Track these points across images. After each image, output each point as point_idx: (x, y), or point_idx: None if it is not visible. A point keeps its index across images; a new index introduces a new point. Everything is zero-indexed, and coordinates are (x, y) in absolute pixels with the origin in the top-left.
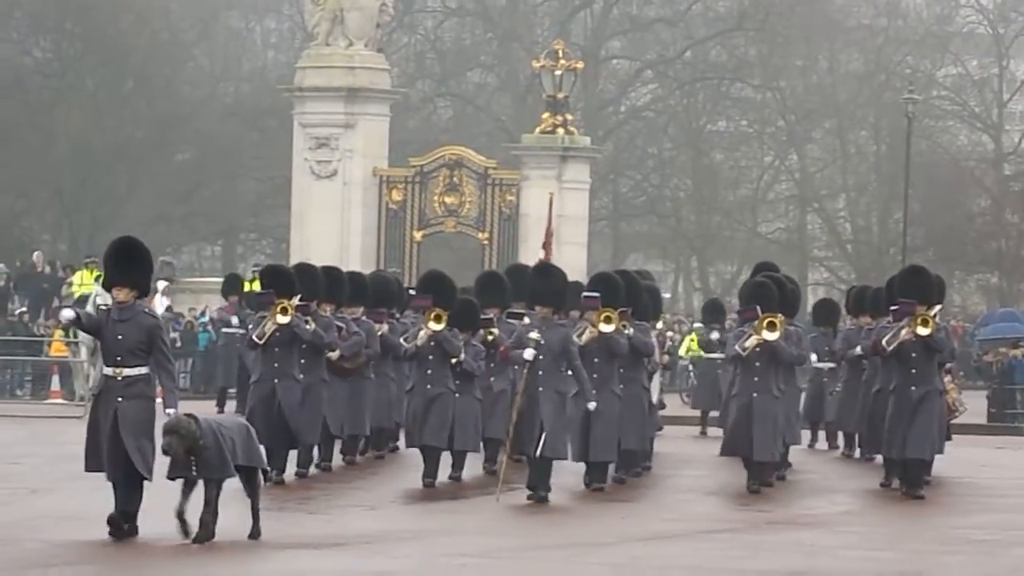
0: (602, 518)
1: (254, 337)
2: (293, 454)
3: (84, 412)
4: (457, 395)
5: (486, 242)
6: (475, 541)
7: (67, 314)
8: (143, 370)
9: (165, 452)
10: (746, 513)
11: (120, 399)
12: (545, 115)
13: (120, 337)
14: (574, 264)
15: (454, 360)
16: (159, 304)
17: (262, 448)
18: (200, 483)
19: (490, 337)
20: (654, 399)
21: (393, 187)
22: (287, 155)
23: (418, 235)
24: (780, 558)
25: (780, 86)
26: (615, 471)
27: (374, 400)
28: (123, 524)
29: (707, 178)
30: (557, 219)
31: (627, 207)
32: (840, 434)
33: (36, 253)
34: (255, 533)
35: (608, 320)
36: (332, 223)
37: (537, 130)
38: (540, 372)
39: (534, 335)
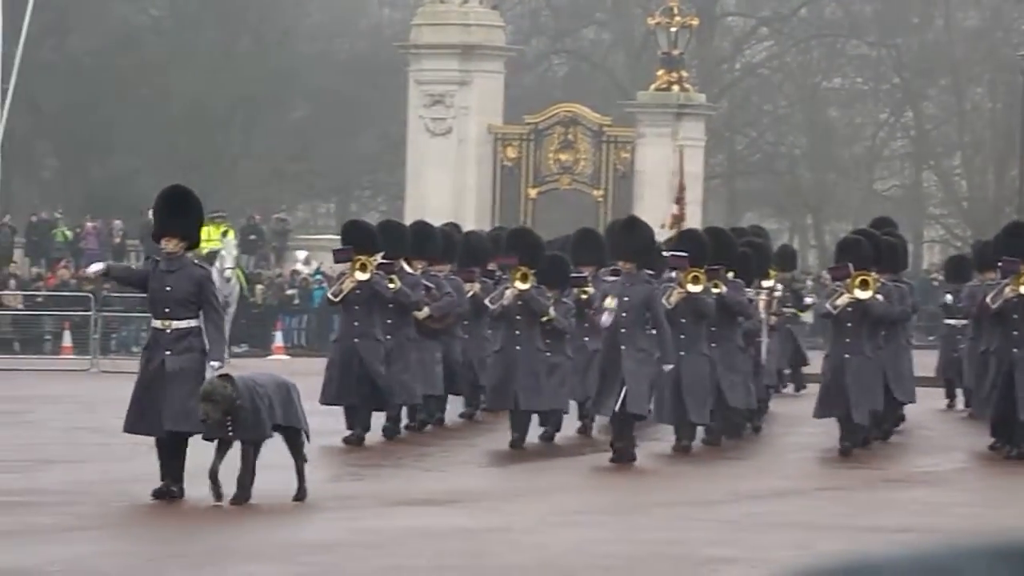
0: (715, 476)
1: (330, 295)
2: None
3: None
4: (548, 354)
5: (600, 199)
6: (587, 498)
7: (96, 267)
8: (193, 323)
9: (203, 421)
10: (861, 471)
11: (168, 352)
12: (660, 72)
13: (169, 288)
14: (690, 222)
15: (544, 319)
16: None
17: (303, 408)
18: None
19: (584, 296)
20: (763, 358)
21: (508, 144)
22: (402, 112)
23: (533, 192)
24: (893, 516)
25: (896, 43)
26: (706, 433)
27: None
28: (171, 487)
29: (822, 135)
30: (671, 176)
31: (742, 164)
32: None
33: (151, 211)
34: (300, 495)
35: (696, 280)
36: (447, 180)
37: (652, 87)
38: (623, 330)
39: (610, 302)
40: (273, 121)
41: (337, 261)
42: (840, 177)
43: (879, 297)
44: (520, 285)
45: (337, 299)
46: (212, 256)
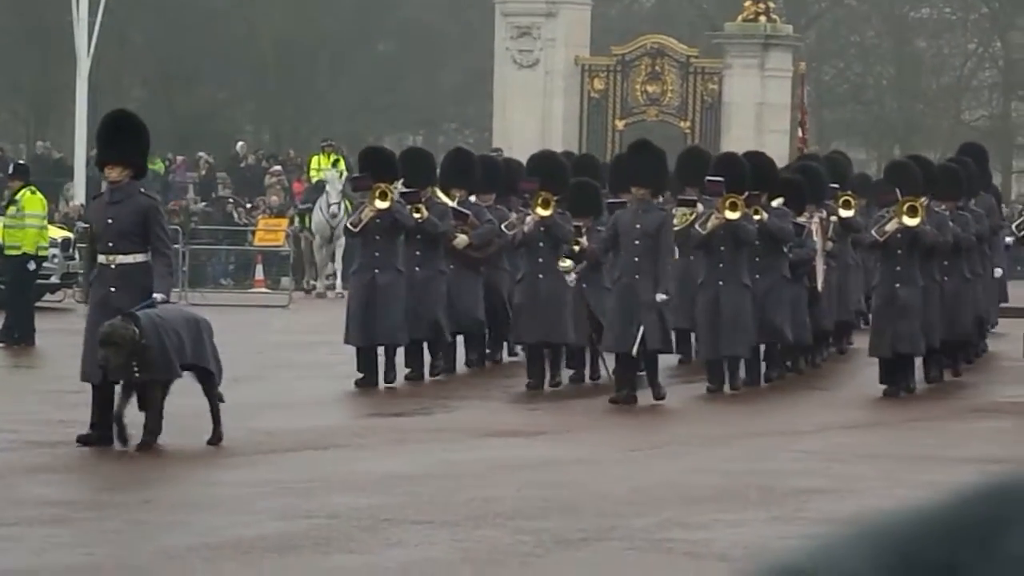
0: (799, 407)
1: (349, 224)
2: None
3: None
4: (585, 286)
5: (688, 131)
6: (672, 430)
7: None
8: (140, 257)
9: (101, 366)
10: (949, 402)
11: (113, 289)
12: (747, 3)
13: (111, 221)
14: (778, 152)
15: (575, 248)
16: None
17: (213, 346)
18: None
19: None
20: (819, 286)
21: (595, 76)
22: (489, 45)
23: (620, 124)
24: (982, 446)
25: None
26: (745, 371)
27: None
28: (106, 431)
29: (910, 66)
30: (759, 107)
31: (830, 95)
32: None
33: (239, 143)
34: (215, 438)
35: (733, 206)
36: (534, 112)
37: (739, 18)
38: (636, 259)
39: (566, 264)
40: (360, 54)
41: (355, 189)
42: (927, 108)
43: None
44: (541, 211)
45: (357, 229)
46: (320, 187)
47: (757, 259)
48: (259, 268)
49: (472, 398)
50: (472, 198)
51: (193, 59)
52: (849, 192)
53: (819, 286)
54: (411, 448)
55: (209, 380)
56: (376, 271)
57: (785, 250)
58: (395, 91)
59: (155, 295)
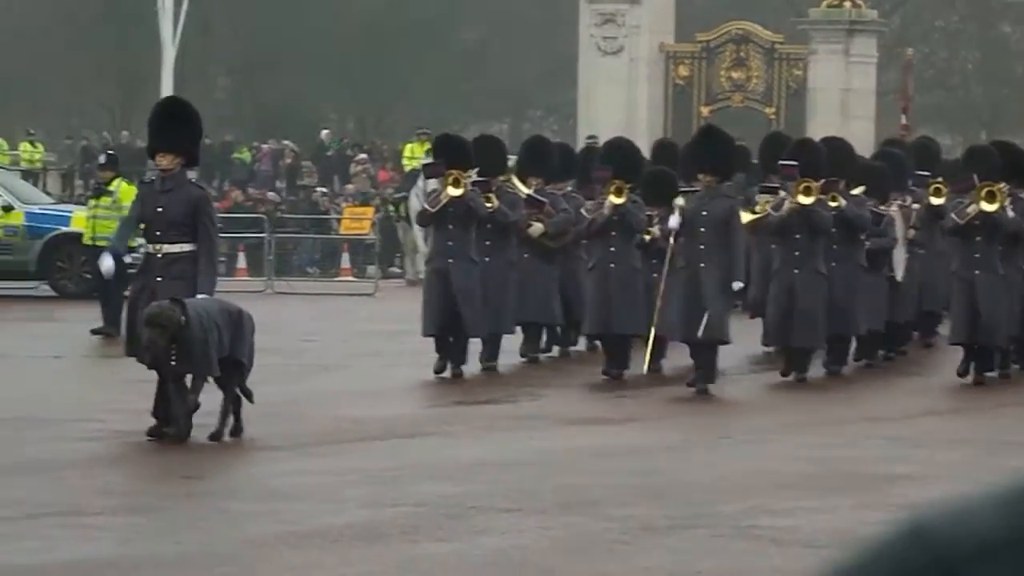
0: (888, 393)
1: (426, 204)
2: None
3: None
4: (655, 275)
5: (773, 117)
6: (758, 417)
7: (106, 264)
8: (187, 247)
9: (146, 348)
10: None
11: (159, 279)
12: None
13: (160, 210)
14: (863, 138)
15: (647, 237)
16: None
17: (252, 341)
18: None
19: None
20: (898, 275)
21: (680, 62)
22: (573, 31)
23: (705, 110)
24: None
25: None
26: (829, 362)
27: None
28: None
29: (996, 50)
30: (843, 93)
31: (915, 80)
32: None
33: (324, 131)
34: (216, 434)
35: (807, 191)
36: (619, 99)
37: (824, 4)
38: (701, 247)
39: (679, 200)
40: (445, 42)
41: (428, 176)
42: (1013, 92)
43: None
44: (615, 199)
45: (435, 209)
46: (414, 175)
47: (834, 247)
48: (345, 256)
49: (558, 386)
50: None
51: (278, 47)
52: (940, 179)
53: (898, 275)
54: (498, 435)
55: (239, 373)
56: (450, 260)
57: (863, 238)
58: (480, 78)
59: (200, 294)
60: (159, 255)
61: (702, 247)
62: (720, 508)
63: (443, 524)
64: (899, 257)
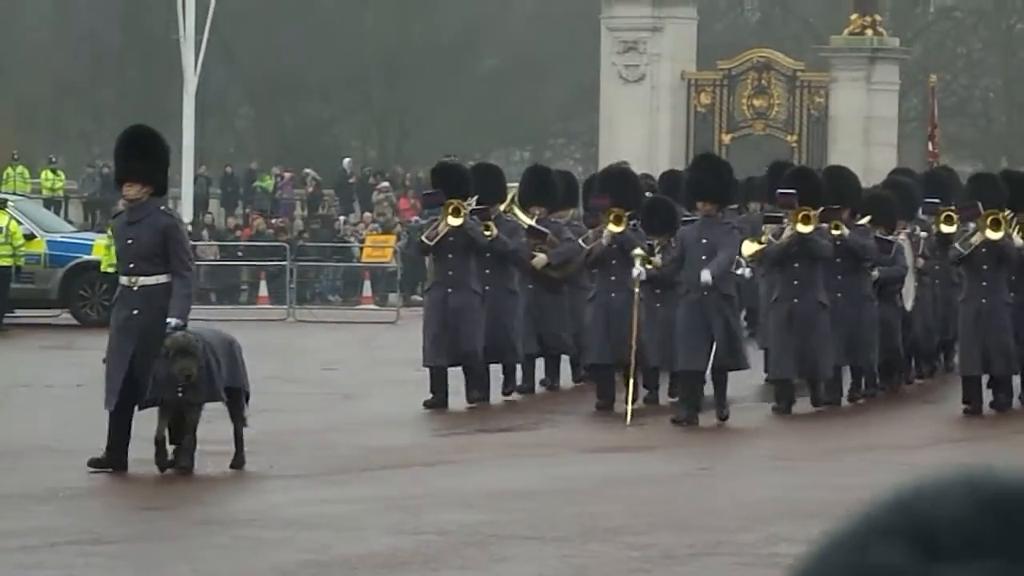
0: (908, 421)
1: (424, 238)
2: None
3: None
4: (658, 305)
5: (795, 144)
6: (779, 444)
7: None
8: (163, 278)
9: (188, 378)
10: None
11: (135, 312)
12: (854, 16)
13: (130, 242)
14: (885, 165)
15: (648, 266)
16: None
17: (245, 367)
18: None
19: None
20: (907, 305)
21: (701, 90)
22: (595, 59)
23: (726, 138)
24: None
25: None
26: (826, 391)
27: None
28: (121, 455)
29: (1018, 78)
30: (865, 120)
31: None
32: None
33: (346, 160)
34: (238, 462)
35: (806, 220)
36: (640, 127)
37: (846, 31)
38: None
39: (637, 251)
40: (466, 70)
41: (426, 206)
42: None
43: (1017, 239)
44: (613, 228)
45: (433, 242)
46: None
47: (838, 277)
48: (367, 284)
49: (578, 413)
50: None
51: (299, 76)
52: (952, 207)
53: (908, 305)
54: (519, 464)
55: (239, 402)
56: (449, 290)
57: (870, 268)
58: (501, 106)
59: (169, 320)
60: (135, 288)
61: None
62: (741, 536)
63: (464, 553)
64: (909, 287)
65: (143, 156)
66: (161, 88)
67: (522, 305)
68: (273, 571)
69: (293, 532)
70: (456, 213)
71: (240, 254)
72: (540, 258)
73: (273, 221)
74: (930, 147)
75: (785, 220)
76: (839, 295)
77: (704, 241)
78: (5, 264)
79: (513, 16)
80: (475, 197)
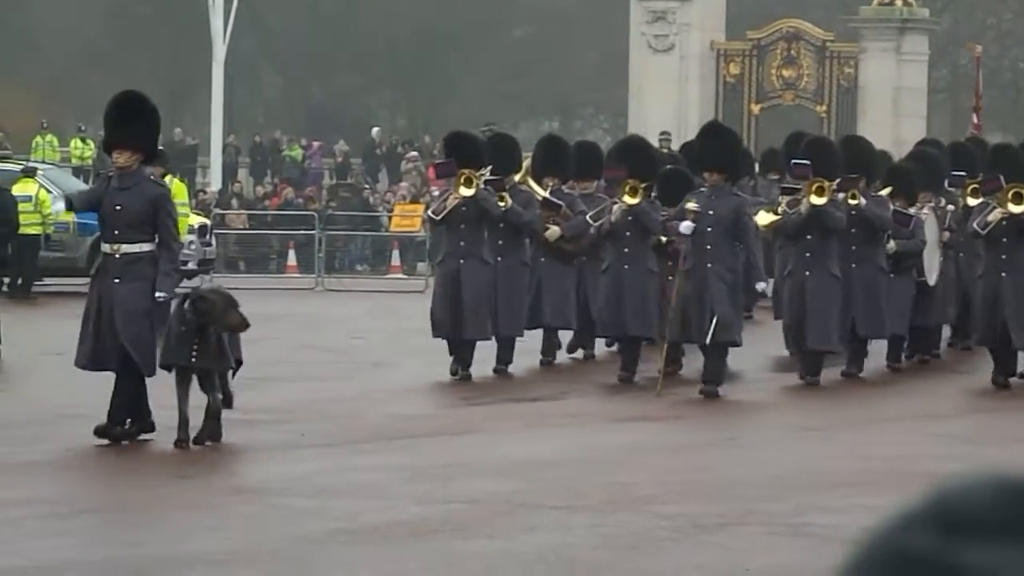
0: (942, 391)
1: (431, 212)
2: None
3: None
4: (670, 278)
5: (824, 115)
6: (810, 413)
7: (58, 206)
8: (146, 247)
9: (247, 325)
10: None
11: (117, 279)
12: None
13: (119, 208)
14: (913, 137)
15: (663, 239)
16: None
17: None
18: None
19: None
20: (931, 280)
21: (730, 60)
22: (624, 29)
23: (756, 108)
24: None
25: None
26: (850, 363)
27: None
28: (114, 428)
29: None
30: (895, 91)
31: (966, 79)
32: None
33: (375, 129)
34: (200, 437)
35: (820, 191)
36: (669, 97)
37: (875, 2)
38: (708, 247)
39: (691, 204)
40: (495, 40)
41: (439, 176)
42: None
43: None
44: (629, 200)
45: (439, 217)
46: None
47: (854, 247)
48: (395, 254)
49: (607, 384)
50: (566, 187)
51: (328, 45)
52: (978, 179)
53: (931, 280)
54: (548, 433)
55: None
56: (461, 261)
57: (886, 240)
58: (530, 77)
59: (158, 294)
60: (117, 255)
61: (709, 247)
62: (771, 506)
63: (493, 521)
64: (934, 260)
65: (132, 122)
66: (190, 56)
67: (534, 277)
68: (303, 539)
69: (323, 501)
70: (468, 183)
71: (269, 222)
72: (553, 230)
73: (304, 192)
74: (974, 119)
75: (801, 192)
76: (854, 266)
77: (711, 213)
78: (34, 232)
79: None
80: (489, 167)
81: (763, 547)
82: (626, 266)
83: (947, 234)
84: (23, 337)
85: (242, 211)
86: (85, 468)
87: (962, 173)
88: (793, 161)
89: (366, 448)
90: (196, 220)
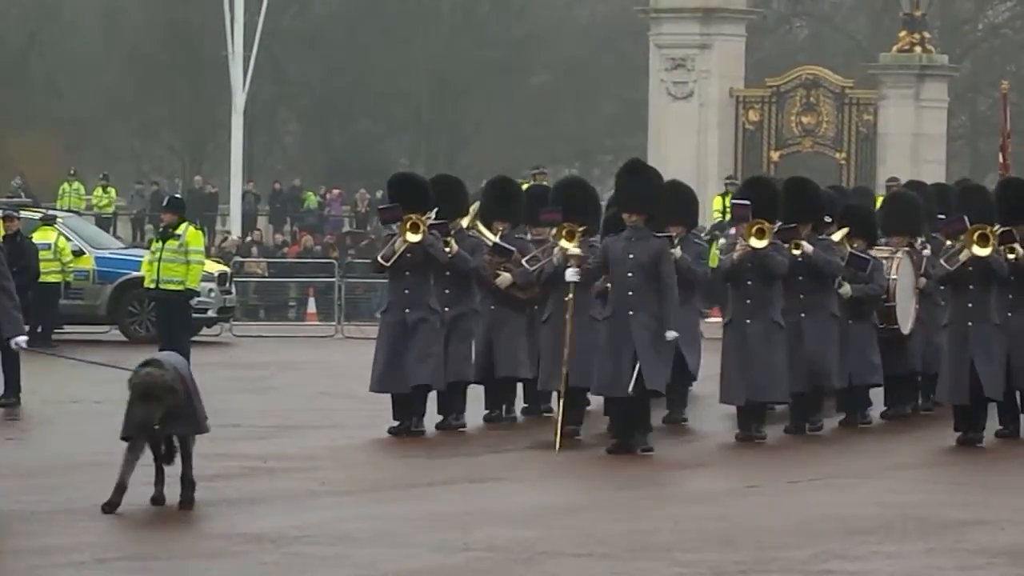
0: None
1: (380, 258)
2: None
3: None
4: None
5: (843, 162)
6: (830, 462)
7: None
8: None
9: (144, 428)
10: None
11: None
12: (902, 33)
13: None
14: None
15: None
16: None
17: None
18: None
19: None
20: (905, 328)
21: (750, 107)
22: (643, 76)
23: (775, 155)
24: None
25: None
26: (793, 419)
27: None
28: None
29: None
30: (914, 138)
31: (985, 126)
32: None
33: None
34: (187, 500)
35: (760, 233)
36: (689, 144)
37: (894, 48)
38: (630, 293)
39: (573, 248)
40: (514, 87)
41: (384, 221)
42: None
43: (1019, 254)
44: (565, 244)
45: (389, 263)
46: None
47: (802, 296)
48: None
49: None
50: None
51: (348, 92)
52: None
53: (905, 328)
54: (568, 480)
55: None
56: (407, 310)
57: (837, 284)
58: (550, 123)
59: (15, 340)
60: None
61: (630, 293)
62: (792, 553)
63: (513, 569)
64: (908, 307)
65: None
66: (210, 105)
67: (483, 326)
68: None
69: (343, 548)
70: (415, 229)
71: (289, 270)
72: (505, 277)
73: (323, 238)
74: (1001, 159)
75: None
76: (803, 316)
77: (631, 256)
78: (54, 280)
79: (563, 33)
80: (435, 211)
81: None
82: (567, 316)
83: (923, 280)
84: (43, 386)
85: (262, 259)
86: (100, 515)
87: (943, 216)
88: (732, 201)
89: (387, 496)
90: (216, 268)
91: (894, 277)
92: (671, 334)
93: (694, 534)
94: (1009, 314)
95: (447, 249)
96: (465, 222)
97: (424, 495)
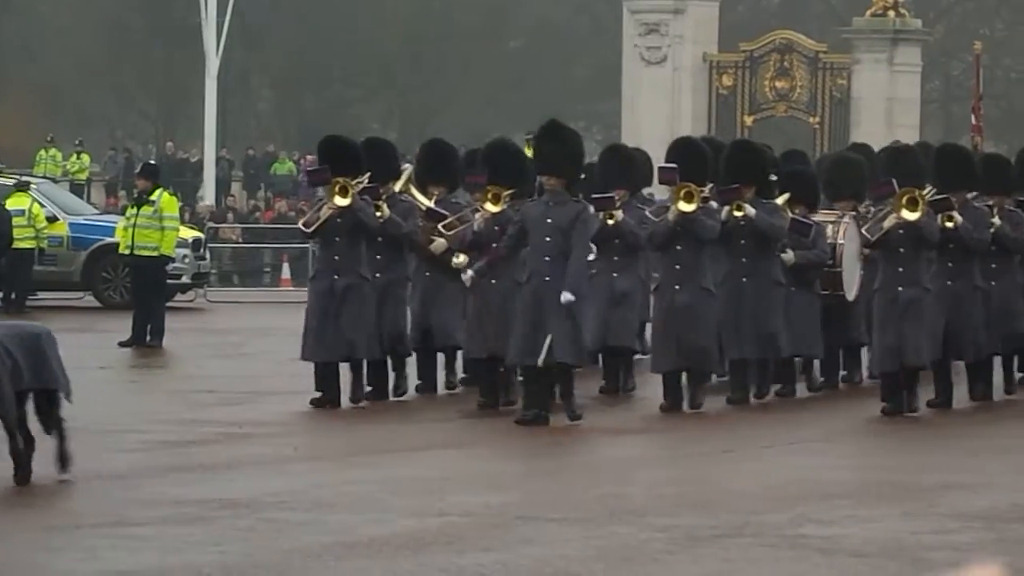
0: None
1: (302, 224)
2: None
3: None
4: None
5: (817, 126)
6: (803, 426)
7: None
8: None
9: None
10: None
11: None
12: None
13: None
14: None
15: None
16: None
17: (59, 358)
18: None
19: (610, 222)
20: (850, 295)
21: (723, 72)
22: (617, 41)
23: (749, 120)
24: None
25: None
26: (732, 385)
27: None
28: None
29: None
30: (888, 102)
31: (959, 89)
32: None
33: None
34: (62, 468)
35: (688, 197)
36: (662, 109)
37: (868, 13)
38: (547, 259)
39: (460, 260)
40: (489, 52)
41: (311, 184)
42: None
43: (957, 221)
44: (491, 207)
45: (310, 230)
46: None
47: (744, 260)
48: None
49: (597, 396)
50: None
51: (321, 58)
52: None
53: (850, 295)
54: (543, 445)
55: (52, 402)
56: (336, 277)
57: (781, 250)
58: (523, 88)
59: None
60: None
61: (548, 259)
62: (766, 517)
63: (488, 534)
64: (854, 274)
65: None
66: (183, 71)
67: (418, 293)
68: (298, 553)
69: (318, 514)
70: (343, 192)
71: (262, 235)
72: (440, 242)
73: (298, 203)
74: (973, 120)
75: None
76: (745, 280)
77: (549, 221)
78: (28, 246)
79: None
80: (367, 175)
81: (759, 559)
82: (493, 281)
83: (866, 251)
84: None
85: (236, 224)
86: (76, 481)
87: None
88: (659, 165)
89: (361, 461)
90: (190, 234)
91: (841, 242)
92: (566, 295)
93: (668, 498)
94: (949, 282)
95: (378, 214)
96: (398, 186)
97: (399, 461)
